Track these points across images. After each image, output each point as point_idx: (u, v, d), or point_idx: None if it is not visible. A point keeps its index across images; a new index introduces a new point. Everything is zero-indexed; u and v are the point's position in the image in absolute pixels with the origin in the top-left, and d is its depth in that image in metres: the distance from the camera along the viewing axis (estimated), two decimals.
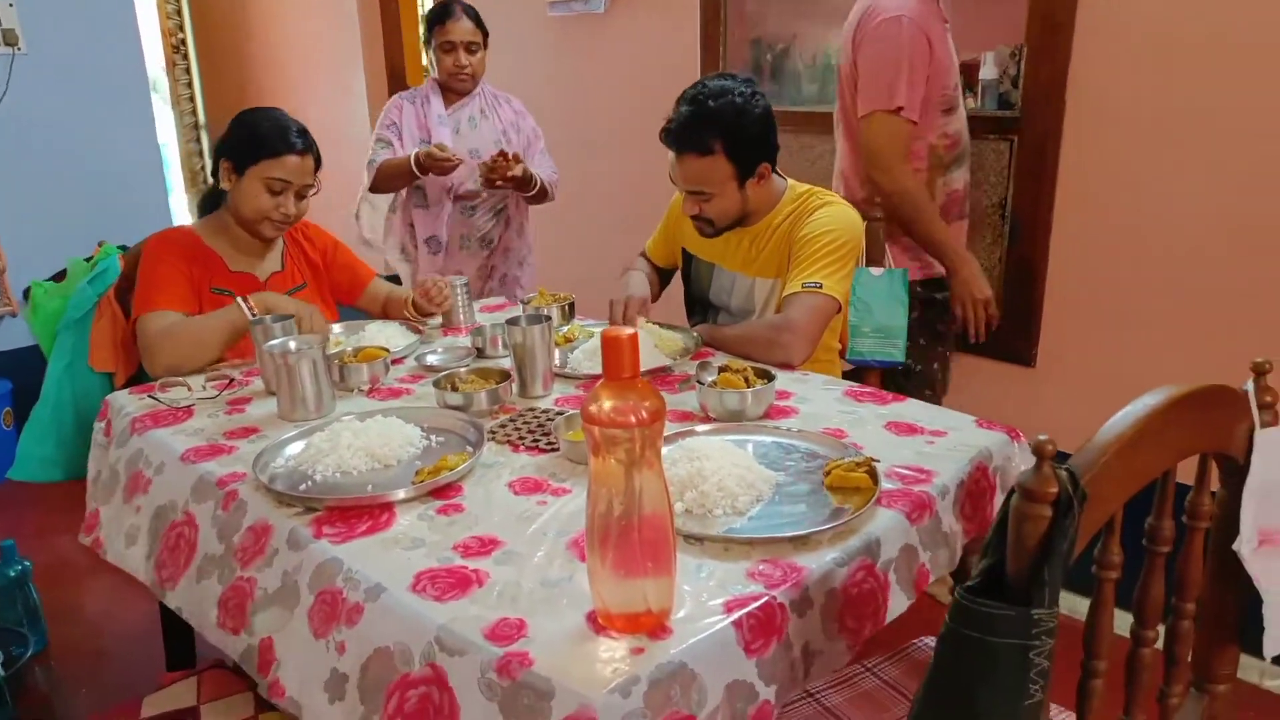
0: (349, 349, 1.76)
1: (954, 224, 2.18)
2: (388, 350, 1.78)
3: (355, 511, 1.20)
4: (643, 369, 1.03)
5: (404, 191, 2.77)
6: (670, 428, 1.41)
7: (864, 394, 1.61)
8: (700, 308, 2.11)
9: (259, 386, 1.69)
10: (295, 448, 1.40)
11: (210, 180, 1.97)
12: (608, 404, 0.88)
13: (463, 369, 1.67)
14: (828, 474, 1.25)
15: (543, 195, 2.74)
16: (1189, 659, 1.04)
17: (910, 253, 2.17)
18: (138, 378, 1.91)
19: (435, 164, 2.50)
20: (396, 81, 4.84)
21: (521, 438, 1.43)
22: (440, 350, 1.89)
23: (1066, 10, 2.18)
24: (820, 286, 1.77)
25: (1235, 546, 0.98)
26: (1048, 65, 2.22)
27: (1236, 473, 0.98)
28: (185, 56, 5.67)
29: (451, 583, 1.03)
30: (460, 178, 2.68)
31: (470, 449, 1.37)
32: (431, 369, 1.78)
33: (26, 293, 2.17)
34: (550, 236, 3.33)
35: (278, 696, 1.09)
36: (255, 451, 1.36)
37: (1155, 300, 2.18)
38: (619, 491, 0.89)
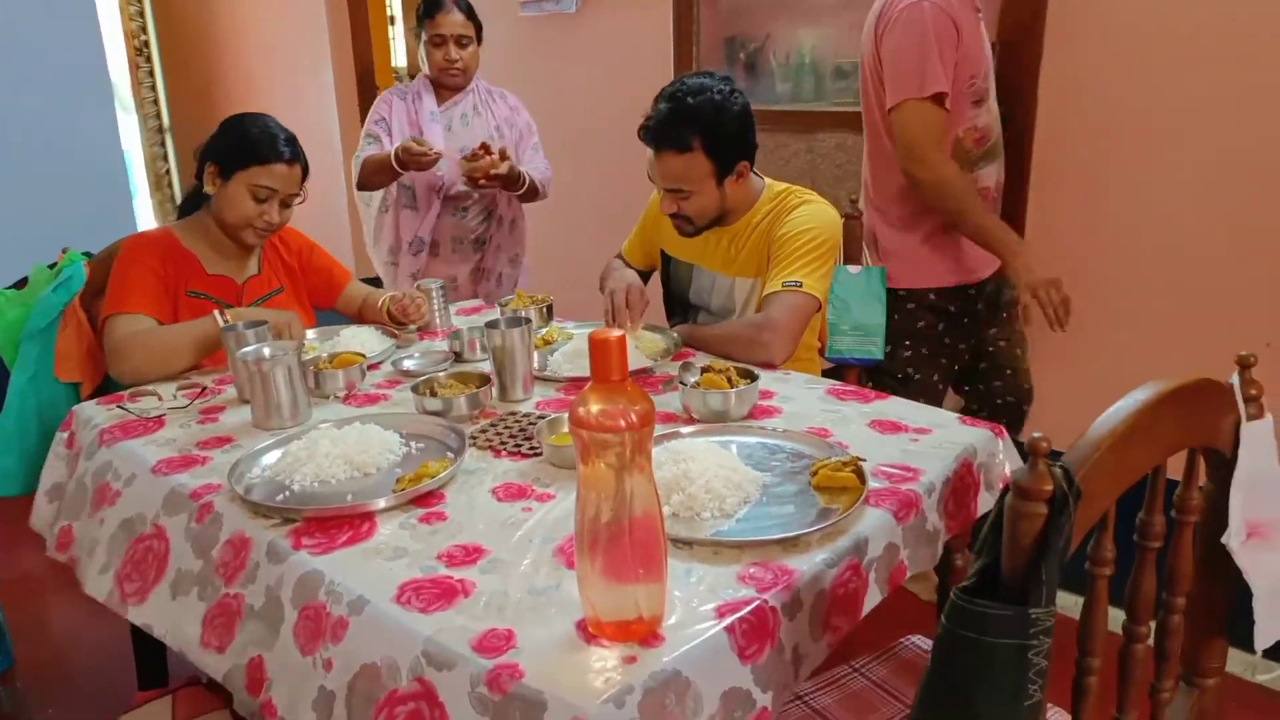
0: (324, 355, 1.73)
1: None
2: (364, 356, 1.75)
3: (335, 522, 1.17)
4: None
5: (395, 192, 2.69)
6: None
7: (847, 392, 1.60)
8: (680, 308, 2.10)
9: (232, 395, 1.66)
10: (271, 457, 1.37)
11: (194, 181, 1.93)
12: (596, 407, 0.86)
13: (441, 373, 1.64)
14: (814, 474, 1.24)
15: (533, 194, 2.65)
16: (1179, 653, 1.04)
17: (945, 259, 2.07)
18: (105, 388, 1.87)
19: (413, 158, 2.41)
20: (366, 81, 4.80)
21: (503, 443, 1.40)
22: (417, 355, 1.86)
23: (1037, 9, 2.19)
24: (800, 285, 1.76)
25: (1224, 540, 0.98)
26: (1019, 63, 2.24)
27: (1223, 466, 0.99)
28: (148, 59, 5.58)
29: (436, 593, 1.01)
30: (451, 178, 2.61)
31: (451, 455, 1.35)
32: (409, 374, 1.75)
33: None
34: (529, 237, 3.30)
35: (270, 717, 1.06)
36: (230, 462, 1.33)
37: (1135, 296, 2.21)
38: (609, 496, 0.88)
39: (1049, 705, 1.25)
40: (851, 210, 2.16)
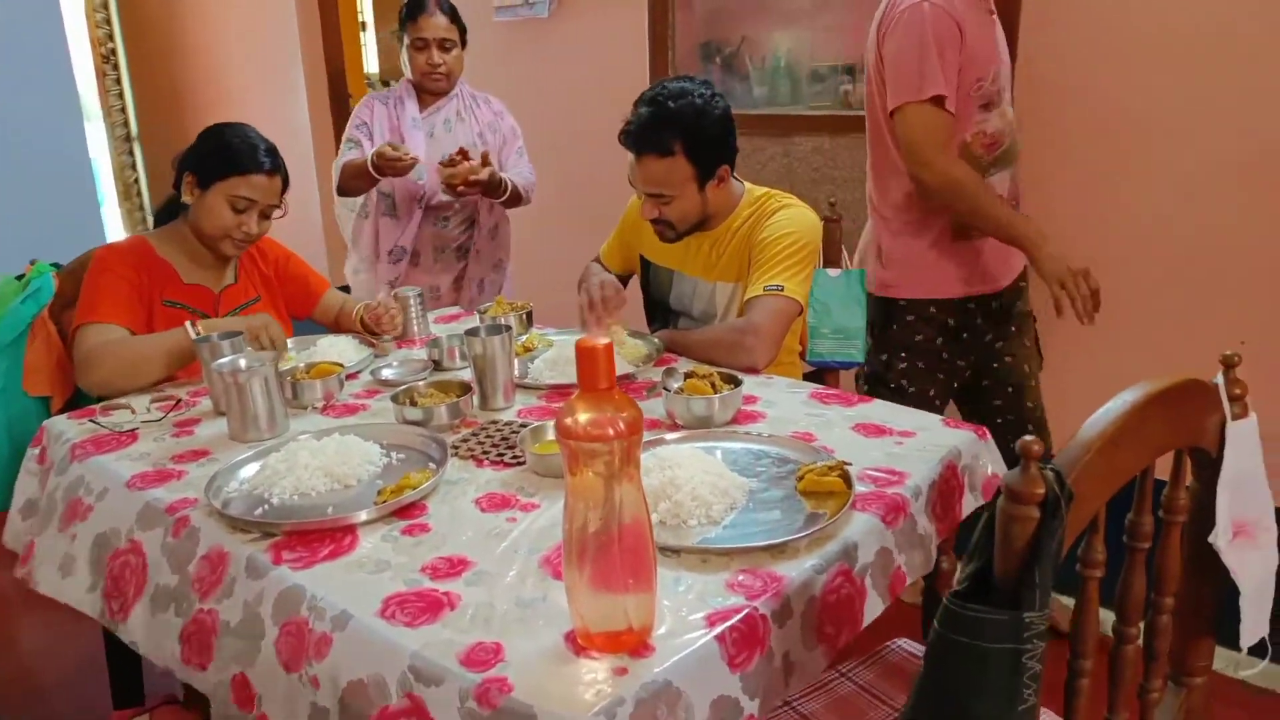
0: (301, 365, 1.71)
1: None
2: (342, 365, 1.72)
3: (316, 535, 1.15)
4: None
5: (375, 199, 2.63)
6: None
7: (830, 396, 1.60)
8: (660, 313, 2.09)
9: (207, 407, 1.63)
10: (249, 470, 1.34)
11: (171, 190, 1.89)
12: (584, 416, 0.85)
13: (421, 382, 1.62)
14: (800, 479, 1.23)
15: (516, 200, 2.60)
16: (1167, 653, 1.04)
17: (947, 270, 1.99)
18: (76, 401, 1.83)
19: (388, 164, 2.34)
20: (338, 87, 4.77)
21: (485, 452, 1.39)
22: (395, 364, 1.84)
23: (1011, 6, 2.20)
24: (782, 289, 1.76)
25: (1211, 539, 0.98)
26: None
27: (1209, 465, 0.99)
28: (116, 66, 5.50)
29: (422, 607, 0.99)
30: (433, 187, 2.55)
31: (433, 465, 1.33)
32: (387, 383, 1.73)
33: None
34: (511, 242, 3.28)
35: None
36: (206, 475, 1.30)
37: (1116, 296, 2.21)
38: (597, 505, 0.87)
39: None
40: (830, 213, 2.16)
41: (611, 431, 0.84)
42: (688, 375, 1.53)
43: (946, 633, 0.81)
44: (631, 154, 1.80)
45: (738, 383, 1.51)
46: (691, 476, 1.18)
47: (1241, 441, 0.98)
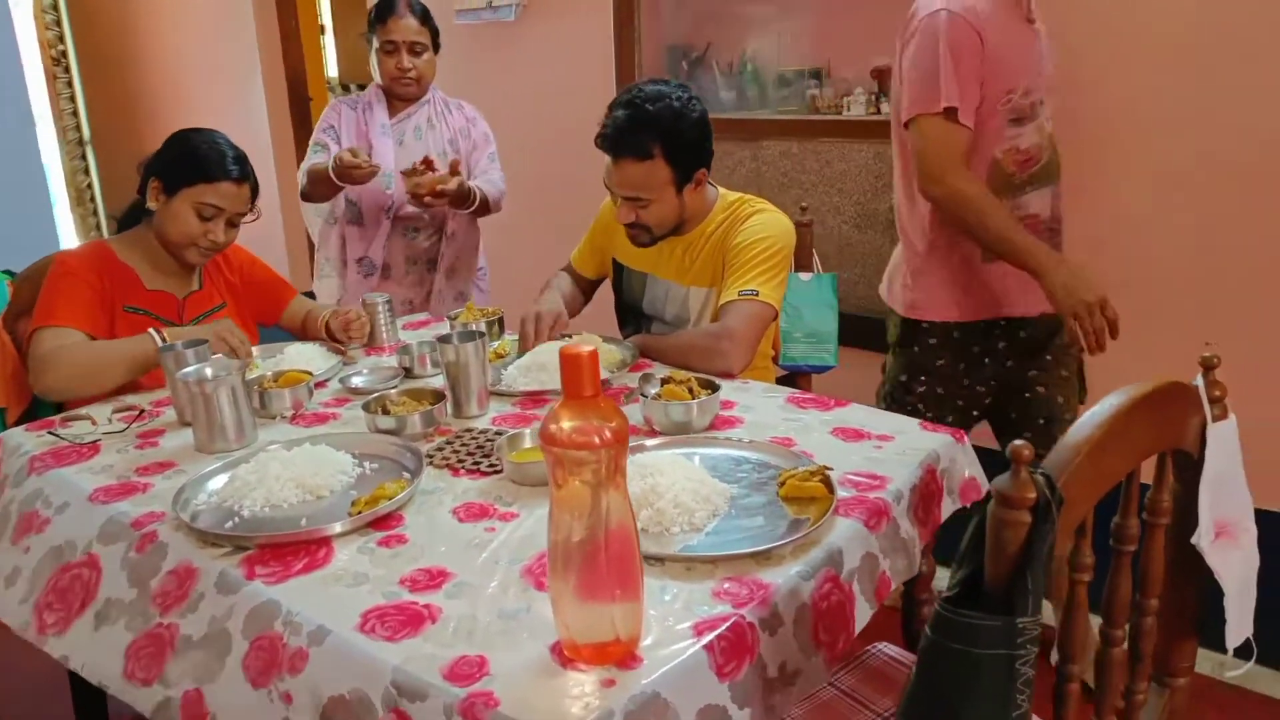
0: (269, 374, 1.67)
1: None
2: (310, 373, 1.68)
3: (290, 548, 1.12)
4: None
5: (342, 206, 2.54)
6: None
7: (806, 400, 1.59)
8: (633, 317, 2.07)
9: (171, 417, 1.58)
10: (218, 482, 1.31)
11: (136, 195, 1.84)
12: (569, 424, 0.84)
13: (393, 390, 1.59)
14: (782, 484, 1.22)
15: (484, 209, 2.51)
16: (1151, 655, 1.05)
17: (972, 292, 1.90)
18: (33, 413, 1.77)
19: (346, 170, 2.24)
20: (298, 91, 4.69)
21: (461, 460, 1.36)
22: (365, 371, 1.80)
23: None
24: (757, 294, 1.75)
25: (1194, 540, 0.99)
26: None
27: (1191, 467, 1.00)
28: (66, 69, 5.37)
29: (402, 620, 0.97)
30: (401, 197, 2.44)
31: (408, 475, 1.30)
32: (357, 391, 1.70)
33: None
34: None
35: None
36: (173, 488, 1.26)
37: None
38: (583, 515, 0.85)
39: None
40: (801, 217, 2.16)
41: (598, 440, 0.83)
42: (665, 381, 1.51)
43: (939, 638, 0.80)
44: (608, 157, 1.78)
45: (715, 388, 1.50)
46: (673, 483, 1.17)
47: (1222, 443, 0.99)
